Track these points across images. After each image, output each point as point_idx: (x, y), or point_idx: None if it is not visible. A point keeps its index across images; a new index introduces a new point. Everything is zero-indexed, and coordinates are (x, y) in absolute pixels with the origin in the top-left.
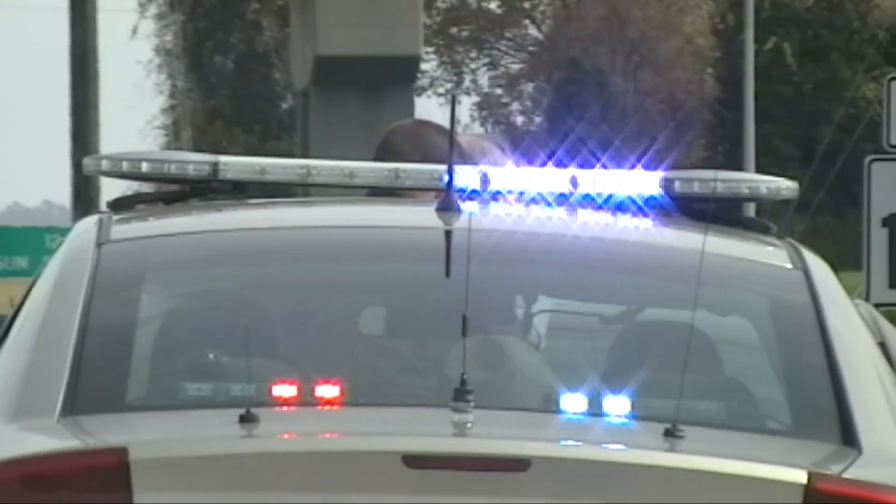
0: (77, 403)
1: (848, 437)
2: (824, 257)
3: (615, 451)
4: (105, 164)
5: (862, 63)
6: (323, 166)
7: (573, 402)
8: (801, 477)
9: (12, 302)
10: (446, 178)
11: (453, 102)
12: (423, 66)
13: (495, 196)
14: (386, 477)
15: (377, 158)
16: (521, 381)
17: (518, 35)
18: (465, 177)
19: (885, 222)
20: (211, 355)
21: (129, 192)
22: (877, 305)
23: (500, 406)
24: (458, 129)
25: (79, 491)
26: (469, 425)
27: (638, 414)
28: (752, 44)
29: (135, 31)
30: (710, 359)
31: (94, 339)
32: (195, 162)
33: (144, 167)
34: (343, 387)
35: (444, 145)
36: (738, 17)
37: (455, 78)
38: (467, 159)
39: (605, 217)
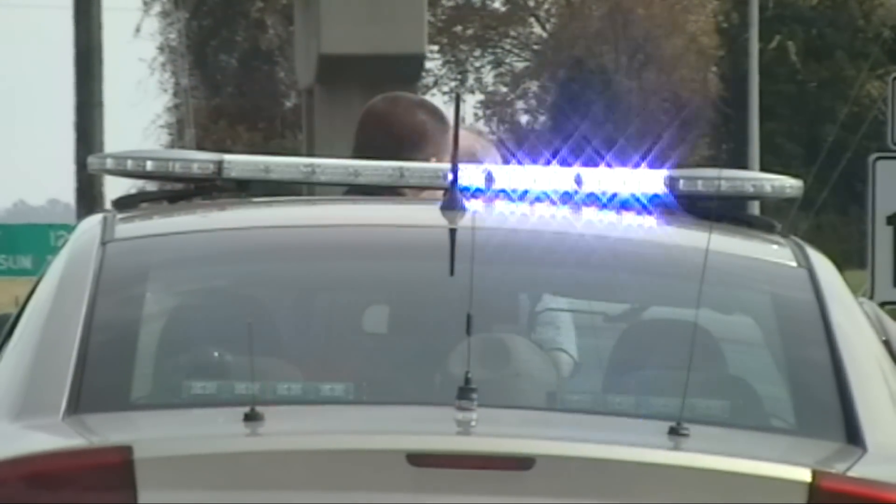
0: (81, 402)
1: (852, 435)
2: (828, 255)
3: (619, 450)
4: (109, 163)
5: (866, 61)
6: (327, 165)
7: (577, 401)
8: (805, 475)
9: (17, 300)
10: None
11: (457, 101)
12: (428, 65)
13: (499, 194)
14: (390, 475)
15: (357, 144)
16: (526, 380)
17: (522, 33)
18: (470, 175)
19: (890, 220)
20: (215, 354)
21: (134, 191)
22: (881, 304)
23: (505, 404)
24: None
25: (83, 489)
26: (473, 424)
27: (642, 412)
28: (757, 42)
29: (139, 29)
30: (715, 357)
31: (99, 337)
32: (199, 160)
33: (149, 165)
34: (347, 385)
35: (415, 119)
36: (742, 16)
37: (459, 76)
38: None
39: (609, 216)
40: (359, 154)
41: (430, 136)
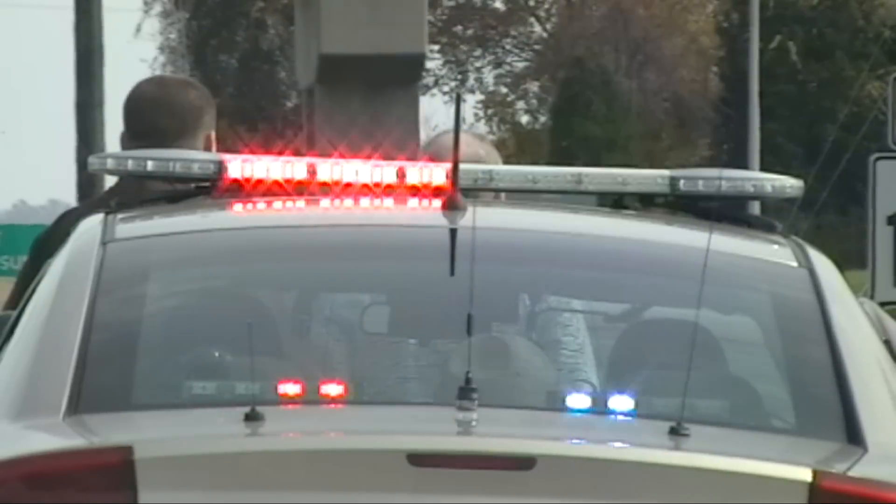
0: (82, 402)
1: (853, 435)
2: (829, 256)
3: (620, 450)
4: (110, 163)
5: (866, 61)
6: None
7: (578, 401)
8: (806, 475)
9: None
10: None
11: (458, 101)
12: (428, 65)
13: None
14: (391, 475)
15: (134, 131)
16: (526, 380)
17: (523, 33)
18: (470, 175)
19: (890, 220)
20: (216, 354)
21: None
22: (881, 303)
23: (505, 404)
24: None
25: (83, 490)
26: (474, 424)
27: (643, 412)
28: (757, 42)
29: (139, 29)
30: (715, 357)
31: (99, 337)
32: (200, 160)
33: (149, 166)
34: (348, 385)
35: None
36: (742, 16)
37: (460, 76)
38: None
39: (609, 215)
40: (141, 141)
41: (205, 111)
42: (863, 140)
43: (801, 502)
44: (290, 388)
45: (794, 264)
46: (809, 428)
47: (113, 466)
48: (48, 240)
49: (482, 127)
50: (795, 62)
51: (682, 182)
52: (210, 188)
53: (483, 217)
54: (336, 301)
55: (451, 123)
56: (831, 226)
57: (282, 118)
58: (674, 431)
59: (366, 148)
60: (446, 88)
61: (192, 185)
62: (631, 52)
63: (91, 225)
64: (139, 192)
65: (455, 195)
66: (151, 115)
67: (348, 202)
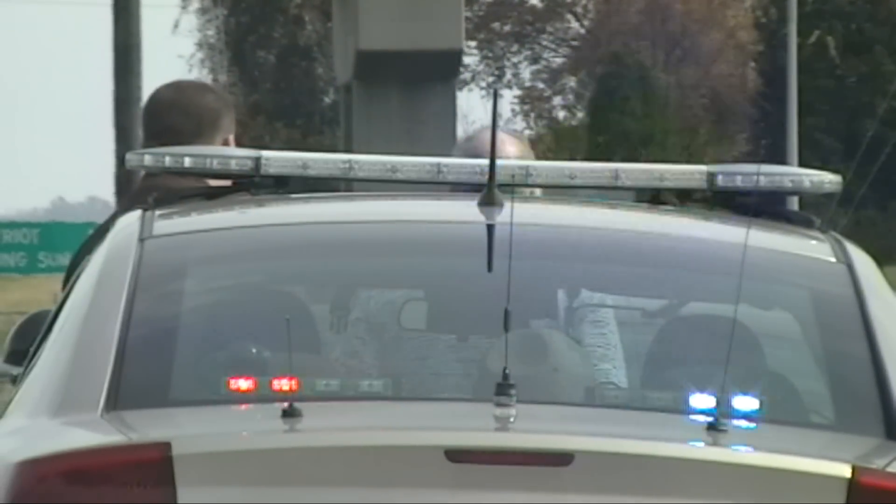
0: (120, 398)
1: (892, 431)
2: (868, 251)
3: (658, 445)
4: (148, 159)
5: None
6: (365, 161)
7: (616, 396)
8: (845, 471)
9: (56, 297)
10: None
11: (495, 97)
12: (465, 60)
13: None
14: (428, 471)
15: (152, 132)
16: (564, 375)
17: (560, 29)
18: (508, 170)
19: None
20: (254, 350)
21: None
22: None
23: (543, 400)
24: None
25: (122, 486)
26: (511, 420)
27: (681, 408)
28: (795, 37)
29: (177, 25)
30: (754, 352)
31: (138, 333)
32: (237, 157)
33: (187, 162)
34: (385, 381)
35: (209, 103)
36: (780, 11)
37: (497, 72)
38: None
39: (647, 211)
40: (157, 140)
41: (223, 114)
42: None
43: (839, 499)
44: (328, 385)
45: (833, 260)
46: (848, 424)
47: (151, 463)
48: (95, 242)
49: (519, 123)
50: (834, 57)
51: (719, 177)
52: (247, 184)
53: (520, 213)
54: (374, 297)
55: (489, 119)
56: (870, 221)
57: (319, 114)
58: (712, 427)
59: (404, 143)
60: (483, 84)
61: (230, 181)
62: (668, 47)
63: (129, 222)
64: (170, 187)
65: (492, 191)
66: (167, 116)
67: (385, 198)
